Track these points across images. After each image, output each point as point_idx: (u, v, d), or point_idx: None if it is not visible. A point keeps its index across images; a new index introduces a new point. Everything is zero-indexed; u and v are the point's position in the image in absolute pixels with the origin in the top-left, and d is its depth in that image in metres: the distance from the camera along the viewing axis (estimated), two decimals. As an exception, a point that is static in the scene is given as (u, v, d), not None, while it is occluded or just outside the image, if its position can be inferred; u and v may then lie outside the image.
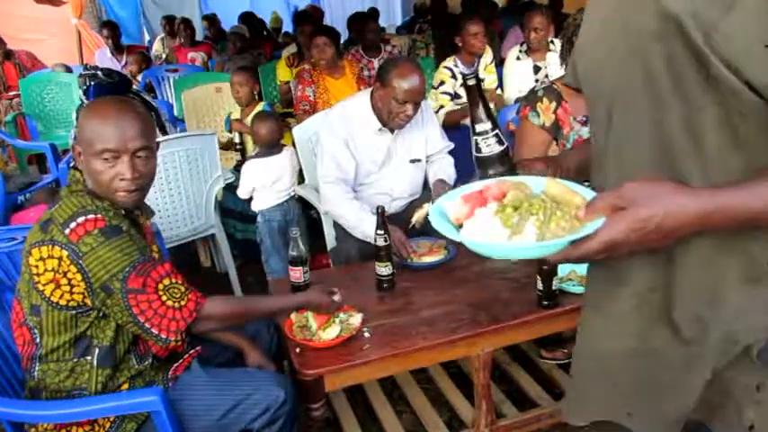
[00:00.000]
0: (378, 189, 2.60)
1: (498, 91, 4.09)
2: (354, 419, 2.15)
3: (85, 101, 2.83)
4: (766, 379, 0.84)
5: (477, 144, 1.01)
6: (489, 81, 4.05)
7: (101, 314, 1.52)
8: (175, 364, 1.67)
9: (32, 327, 1.52)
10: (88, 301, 1.48)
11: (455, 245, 1.85)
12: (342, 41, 5.07)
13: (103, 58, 6.26)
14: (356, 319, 1.80)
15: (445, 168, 2.69)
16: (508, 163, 1.01)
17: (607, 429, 1.01)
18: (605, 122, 0.91)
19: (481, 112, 1.00)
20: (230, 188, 3.27)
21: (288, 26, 8.77)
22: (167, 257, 2.15)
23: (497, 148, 1.00)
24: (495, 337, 1.86)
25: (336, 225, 2.62)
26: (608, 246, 0.79)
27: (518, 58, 3.95)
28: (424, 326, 1.82)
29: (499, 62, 4.47)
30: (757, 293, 0.83)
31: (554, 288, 1.85)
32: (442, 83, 3.77)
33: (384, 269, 2.03)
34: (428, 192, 2.67)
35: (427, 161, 2.70)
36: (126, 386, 1.58)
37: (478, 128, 1.00)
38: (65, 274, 1.44)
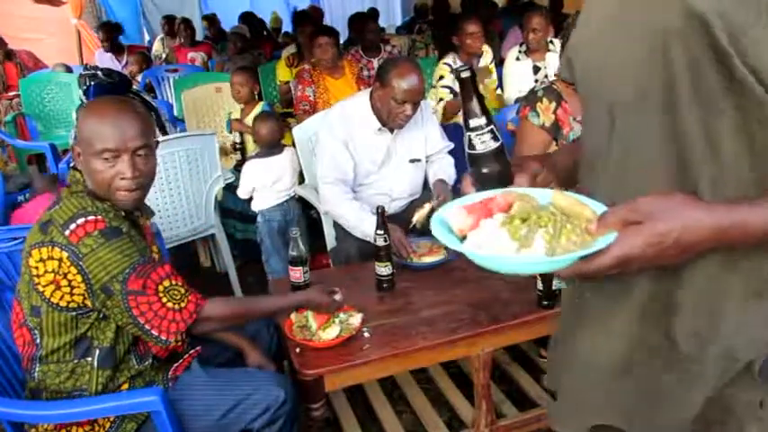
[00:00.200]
0: (377, 189, 2.60)
1: (498, 91, 4.09)
2: (354, 419, 2.15)
3: (85, 101, 2.83)
4: None
5: (470, 140, 0.93)
6: (488, 82, 4.04)
7: (101, 315, 1.52)
8: (175, 365, 1.67)
9: (33, 328, 1.52)
10: (88, 303, 1.48)
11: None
12: (342, 41, 5.07)
13: (103, 58, 6.26)
14: (356, 319, 1.80)
15: (445, 168, 2.69)
16: (504, 160, 0.94)
17: None
18: (607, 124, 0.88)
19: (475, 106, 0.93)
20: (230, 188, 3.27)
21: (287, 26, 8.77)
22: (167, 258, 2.15)
23: (493, 145, 0.93)
24: (495, 337, 1.86)
25: (336, 225, 2.62)
26: (622, 261, 0.76)
27: (517, 59, 3.95)
28: (423, 326, 1.82)
29: (499, 62, 4.48)
30: (759, 307, 0.81)
31: (554, 288, 1.85)
32: (441, 77, 3.78)
33: (384, 269, 2.03)
34: (428, 192, 2.67)
35: (427, 161, 2.70)
36: (126, 386, 1.59)
37: (472, 123, 0.93)
38: (65, 275, 1.44)
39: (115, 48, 6.38)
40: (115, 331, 1.54)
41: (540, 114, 2.30)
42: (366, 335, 1.78)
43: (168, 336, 1.51)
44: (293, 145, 3.09)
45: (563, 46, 2.36)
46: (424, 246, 2.28)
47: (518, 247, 0.78)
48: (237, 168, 3.48)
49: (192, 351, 1.72)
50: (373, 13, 6.95)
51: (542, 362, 2.44)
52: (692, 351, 0.85)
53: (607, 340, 0.94)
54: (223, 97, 4.34)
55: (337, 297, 1.80)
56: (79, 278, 1.45)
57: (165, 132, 3.12)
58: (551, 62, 3.75)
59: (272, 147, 3.06)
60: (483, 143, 0.93)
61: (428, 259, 2.21)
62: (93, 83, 2.83)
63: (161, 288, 1.51)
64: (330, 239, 2.75)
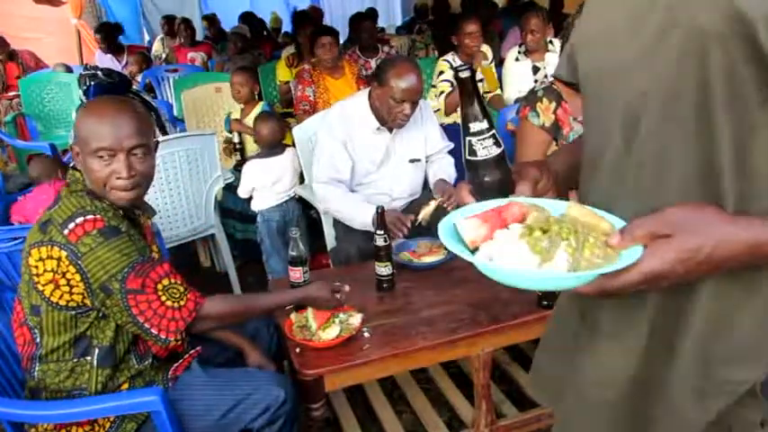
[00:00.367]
0: (377, 189, 2.61)
1: (498, 91, 4.10)
2: (354, 419, 2.15)
3: (85, 101, 2.83)
4: None
5: (471, 146, 0.86)
6: (486, 64, 4.05)
7: (100, 314, 1.52)
8: (175, 364, 1.67)
9: (33, 327, 1.53)
10: (88, 302, 1.49)
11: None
12: (342, 41, 5.07)
13: (103, 58, 6.25)
14: (356, 319, 1.80)
15: (445, 168, 2.69)
16: (505, 168, 0.88)
17: None
18: (619, 123, 0.82)
19: (476, 109, 0.86)
20: (230, 188, 3.27)
21: (287, 26, 8.77)
22: (167, 257, 2.15)
23: (495, 151, 0.86)
24: (495, 337, 1.86)
25: (336, 225, 2.62)
26: (650, 278, 0.70)
27: (517, 59, 3.96)
28: (423, 326, 1.82)
29: (499, 62, 4.48)
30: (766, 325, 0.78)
31: (554, 288, 1.85)
32: (441, 72, 3.79)
33: (384, 269, 2.03)
34: (428, 192, 2.67)
35: (427, 161, 2.70)
36: (126, 386, 1.59)
37: (473, 127, 0.86)
38: (64, 274, 1.45)
39: (115, 48, 6.38)
40: (115, 330, 1.54)
41: (540, 114, 2.30)
42: (366, 335, 1.78)
43: (168, 334, 1.51)
44: (293, 145, 3.09)
45: (563, 46, 2.36)
46: (424, 246, 2.28)
47: (540, 262, 0.72)
48: (237, 168, 3.48)
49: (192, 351, 1.72)
50: (370, 13, 6.94)
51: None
52: (700, 369, 0.82)
53: (620, 359, 0.89)
54: (223, 97, 4.34)
55: (345, 289, 1.79)
56: (78, 277, 1.45)
57: (164, 132, 3.13)
58: (551, 62, 3.76)
59: (274, 147, 3.06)
60: (485, 149, 0.86)
61: (428, 259, 2.21)
62: (93, 83, 2.83)
63: (160, 287, 1.51)
64: (330, 239, 2.75)
